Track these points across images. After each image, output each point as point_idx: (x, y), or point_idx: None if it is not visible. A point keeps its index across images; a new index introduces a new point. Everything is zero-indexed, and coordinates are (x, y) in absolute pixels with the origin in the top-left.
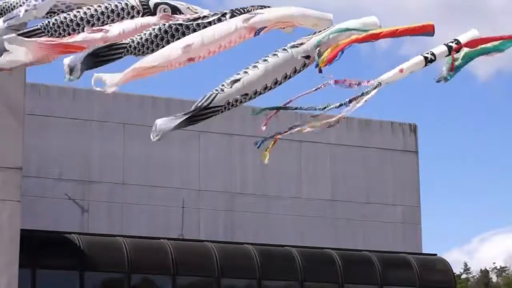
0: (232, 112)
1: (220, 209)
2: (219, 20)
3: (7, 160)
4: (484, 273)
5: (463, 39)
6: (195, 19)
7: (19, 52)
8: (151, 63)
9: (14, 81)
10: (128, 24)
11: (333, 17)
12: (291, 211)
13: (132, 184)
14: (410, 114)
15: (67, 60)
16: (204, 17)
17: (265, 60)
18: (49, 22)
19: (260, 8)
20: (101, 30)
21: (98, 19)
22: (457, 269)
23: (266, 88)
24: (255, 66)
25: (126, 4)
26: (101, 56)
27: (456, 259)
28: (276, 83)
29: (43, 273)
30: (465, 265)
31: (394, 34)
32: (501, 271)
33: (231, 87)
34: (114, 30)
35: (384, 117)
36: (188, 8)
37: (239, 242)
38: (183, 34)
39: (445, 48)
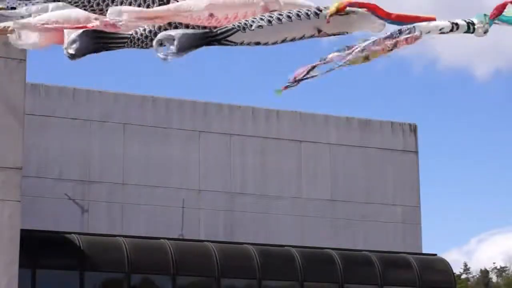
0: (232, 112)
1: (220, 209)
2: None
3: (7, 160)
4: (484, 273)
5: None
6: None
7: (31, 37)
8: (174, 8)
9: (14, 81)
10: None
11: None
12: (291, 211)
13: (132, 184)
14: (410, 114)
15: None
16: None
17: (289, 17)
18: None
19: None
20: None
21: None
22: (456, 269)
23: (274, 43)
24: (279, 19)
25: None
26: (102, 42)
27: (455, 260)
28: (283, 41)
29: (43, 273)
30: (465, 265)
31: (400, 18)
32: (501, 271)
33: (252, 29)
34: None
35: (384, 117)
36: None
37: (239, 242)
38: (187, 27)
39: (464, 23)
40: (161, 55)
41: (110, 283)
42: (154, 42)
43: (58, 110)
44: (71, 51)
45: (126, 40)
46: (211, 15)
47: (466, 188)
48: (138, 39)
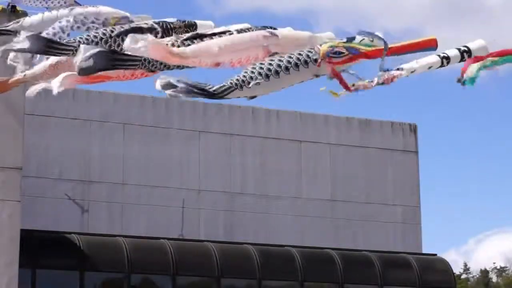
0: (232, 112)
1: (220, 209)
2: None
3: (7, 160)
4: (484, 273)
5: (472, 46)
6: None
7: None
8: (186, 52)
9: None
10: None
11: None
12: (291, 211)
13: (132, 184)
14: (410, 114)
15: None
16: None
17: (287, 69)
18: (81, 37)
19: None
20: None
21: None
22: (455, 270)
23: (272, 92)
24: (277, 72)
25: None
26: (116, 61)
27: (452, 260)
28: (282, 88)
29: (43, 273)
30: (465, 265)
31: (400, 50)
32: (501, 271)
33: (250, 87)
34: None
35: (384, 117)
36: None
37: (239, 242)
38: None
39: (457, 52)
40: (168, 92)
41: (110, 283)
42: (156, 85)
43: (58, 110)
44: (83, 66)
45: (138, 63)
46: (217, 64)
47: (465, 188)
48: (149, 62)
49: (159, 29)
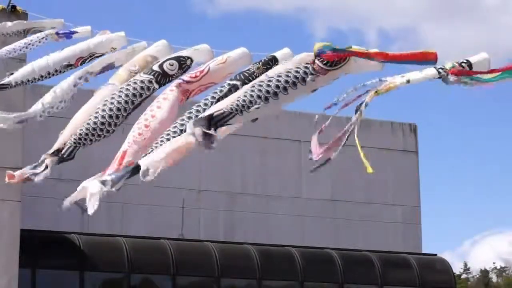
0: None
1: (220, 209)
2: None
3: (7, 160)
4: (484, 273)
5: (473, 60)
6: (213, 99)
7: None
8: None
9: None
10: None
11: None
12: (291, 211)
13: (132, 184)
14: (410, 114)
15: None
16: (219, 98)
17: (285, 89)
18: (81, 133)
19: (265, 69)
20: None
21: (125, 109)
22: (456, 270)
23: (272, 113)
24: (276, 94)
25: (141, 86)
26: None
27: (450, 261)
28: (282, 108)
29: (43, 273)
30: (465, 265)
31: (398, 58)
32: (501, 271)
33: (250, 111)
34: (153, 126)
35: (384, 117)
36: (189, 59)
37: (239, 242)
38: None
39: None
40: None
41: (110, 283)
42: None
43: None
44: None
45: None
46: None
47: (463, 188)
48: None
49: (177, 70)
